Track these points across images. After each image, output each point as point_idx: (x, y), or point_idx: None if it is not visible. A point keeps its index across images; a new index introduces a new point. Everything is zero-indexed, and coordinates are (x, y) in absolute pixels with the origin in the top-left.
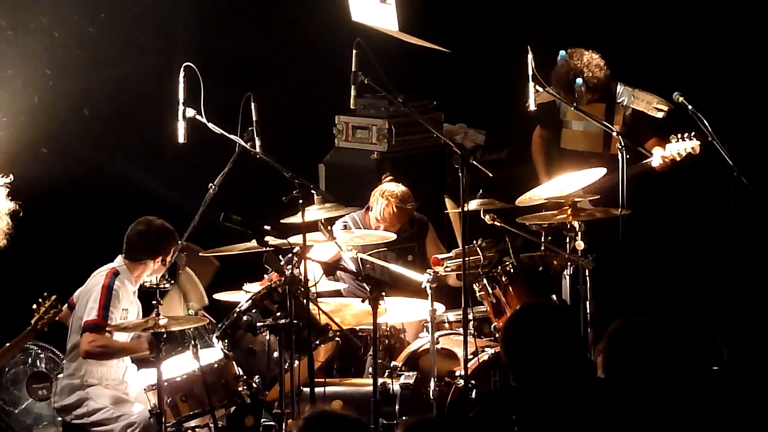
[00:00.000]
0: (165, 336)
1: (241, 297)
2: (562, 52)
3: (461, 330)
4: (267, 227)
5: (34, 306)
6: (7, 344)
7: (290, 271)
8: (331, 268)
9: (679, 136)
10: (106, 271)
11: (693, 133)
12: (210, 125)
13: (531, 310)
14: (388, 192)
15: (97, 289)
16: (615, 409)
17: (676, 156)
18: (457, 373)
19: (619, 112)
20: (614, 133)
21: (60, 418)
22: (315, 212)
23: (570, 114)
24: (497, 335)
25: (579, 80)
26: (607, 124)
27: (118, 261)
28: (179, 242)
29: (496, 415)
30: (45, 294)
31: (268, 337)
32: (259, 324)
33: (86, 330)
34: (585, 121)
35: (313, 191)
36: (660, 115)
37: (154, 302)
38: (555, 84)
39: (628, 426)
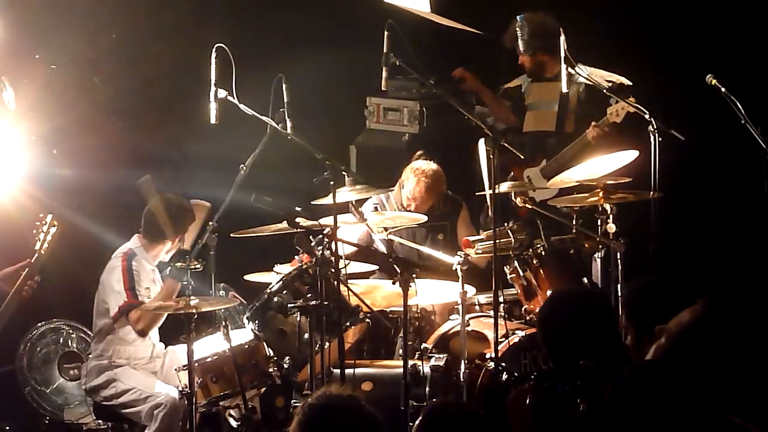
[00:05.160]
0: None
1: (272, 278)
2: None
3: (492, 312)
4: (298, 208)
5: (34, 231)
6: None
7: (321, 252)
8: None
9: (615, 100)
10: (122, 254)
11: (622, 83)
12: (242, 106)
13: (566, 294)
14: (419, 170)
15: (117, 273)
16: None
17: (617, 118)
18: (488, 356)
19: (574, 90)
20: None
21: (90, 399)
22: (346, 194)
23: (531, 95)
24: (528, 318)
25: (519, 17)
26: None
27: (134, 241)
28: (210, 223)
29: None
30: (41, 215)
31: (298, 318)
32: (289, 305)
33: (125, 313)
34: (542, 101)
35: (344, 173)
36: (608, 84)
37: (186, 282)
38: (506, 41)
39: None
